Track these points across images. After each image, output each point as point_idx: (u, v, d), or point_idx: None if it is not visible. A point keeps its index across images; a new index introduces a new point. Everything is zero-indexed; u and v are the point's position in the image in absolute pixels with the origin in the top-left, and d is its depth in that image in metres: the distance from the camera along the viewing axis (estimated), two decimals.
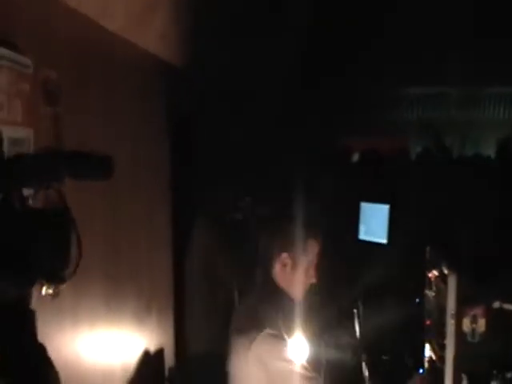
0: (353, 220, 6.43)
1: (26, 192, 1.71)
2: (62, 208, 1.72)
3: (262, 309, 2.83)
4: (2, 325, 1.63)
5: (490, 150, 10.73)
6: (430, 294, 3.56)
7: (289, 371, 2.69)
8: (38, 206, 1.71)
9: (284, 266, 2.88)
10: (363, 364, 4.77)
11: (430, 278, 3.57)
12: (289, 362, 2.70)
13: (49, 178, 1.71)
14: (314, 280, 2.94)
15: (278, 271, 2.89)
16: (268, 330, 2.72)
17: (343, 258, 6.19)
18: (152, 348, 5.30)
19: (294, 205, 3.13)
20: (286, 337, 2.73)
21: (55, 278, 1.72)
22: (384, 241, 6.07)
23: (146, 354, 5.14)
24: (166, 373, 5.59)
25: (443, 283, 3.20)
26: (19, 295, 1.71)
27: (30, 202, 1.71)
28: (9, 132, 3.01)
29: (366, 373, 4.73)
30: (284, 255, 2.87)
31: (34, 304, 3.22)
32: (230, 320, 4.16)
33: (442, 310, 3.19)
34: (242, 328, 2.84)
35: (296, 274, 2.90)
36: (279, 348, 2.71)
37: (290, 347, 2.72)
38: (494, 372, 3.02)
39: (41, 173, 1.69)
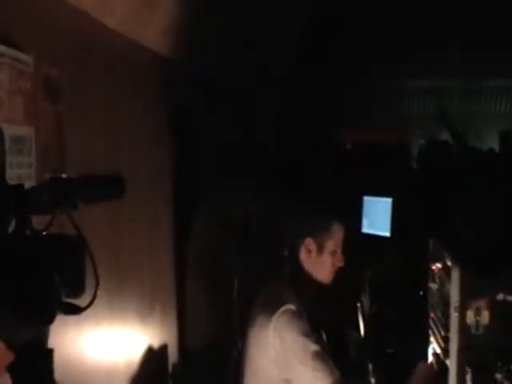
0: (355, 213, 6.43)
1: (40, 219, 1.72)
2: (77, 235, 1.73)
3: (284, 290, 2.86)
4: (19, 367, 1.63)
5: (492, 143, 10.72)
6: (434, 286, 3.55)
7: (303, 345, 2.72)
8: (51, 232, 1.72)
9: (309, 251, 2.88)
10: (367, 357, 4.78)
11: (433, 271, 3.56)
12: (304, 336, 2.73)
13: (63, 206, 1.72)
14: (341, 263, 2.96)
15: (304, 256, 2.91)
16: (288, 306, 2.75)
17: (346, 251, 6.19)
18: (155, 345, 5.31)
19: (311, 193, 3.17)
20: (304, 315, 2.76)
21: (73, 310, 1.72)
22: (387, 234, 6.07)
23: (150, 351, 5.14)
24: (170, 369, 5.60)
25: (447, 276, 3.20)
26: (36, 334, 1.71)
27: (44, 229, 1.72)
28: (10, 130, 3.02)
29: (370, 366, 4.73)
30: (308, 240, 2.87)
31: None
32: (231, 316, 4.19)
33: (445, 303, 3.19)
34: (265, 304, 2.87)
35: (322, 258, 2.92)
36: (297, 322, 2.74)
37: (307, 325, 2.74)
38: (499, 364, 3.02)
39: (56, 201, 1.70)
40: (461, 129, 13.55)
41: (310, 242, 2.89)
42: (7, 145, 2.99)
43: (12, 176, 3.03)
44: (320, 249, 2.90)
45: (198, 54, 6.16)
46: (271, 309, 2.80)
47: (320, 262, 2.92)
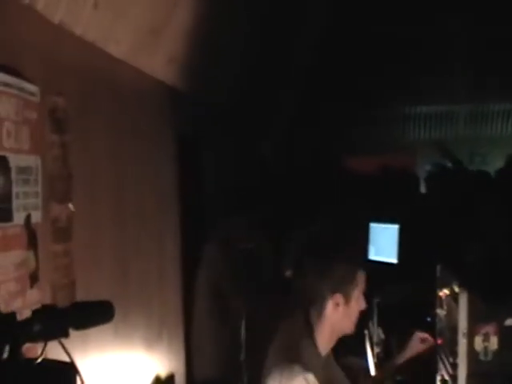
0: (362, 240, 6.41)
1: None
2: (69, 362, 1.78)
3: (303, 340, 2.81)
4: None
5: (498, 166, 10.70)
6: (442, 312, 3.54)
7: None
8: (44, 360, 1.77)
9: (337, 305, 2.82)
10: None
11: (440, 297, 3.55)
12: None
13: (55, 335, 1.81)
14: (364, 307, 2.92)
15: (330, 311, 2.81)
16: (299, 366, 2.65)
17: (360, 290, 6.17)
18: (163, 374, 5.29)
19: (332, 239, 3.05)
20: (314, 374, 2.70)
21: None
22: (394, 261, 6.05)
23: (157, 380, 5.12)
24: None
25: (454, 302, 3.19)
26: None
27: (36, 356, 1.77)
28: (16, 160, 3.03)
29: None
30: (337, 295, 2.80)
31: None
32: (238, 346, 4.15)
33: (453, 329, 3.17)
34: (279, 352, 2.82)
35: (349, 308, 2.84)
36: None
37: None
38: None
39: (47, 331, 1.77)
40: (467, 153, 13.60)
41: (338, 297, 2.84)
42: (13, 175, 3.01)
43: (18, 206, 3.04)
44: (347, 300, 2.84)
45: (203, 82, 6.20)
46: (282, 362, 2.73)
47: (347, 313, 2.85)
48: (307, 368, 2.67)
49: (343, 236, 3.04)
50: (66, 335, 1.81)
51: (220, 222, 5.00)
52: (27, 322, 1.76)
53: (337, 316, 2.83)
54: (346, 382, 3.07)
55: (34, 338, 1.75)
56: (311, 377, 2.66)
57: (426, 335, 3.43)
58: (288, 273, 2.94)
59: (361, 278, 2.87)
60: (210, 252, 4.65)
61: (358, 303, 2.87)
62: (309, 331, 2.84)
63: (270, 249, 5.00)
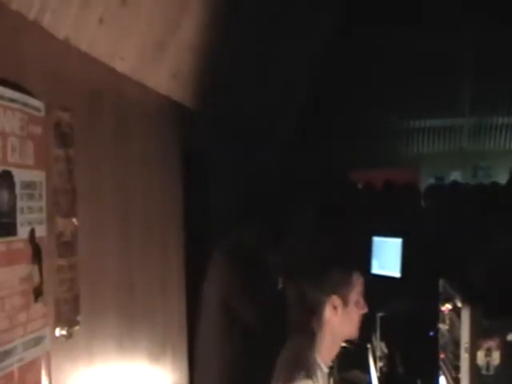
0: (365, 254, 6.42)
1: None
2: None
3: (307, 349, 2.82)
4: None
5: (502, 180, 10.73)
6: (444, 327, 3.54)
7: None
8: None
9: (335, 308, 2.82)
10: None
11: (443, 312, 3.56)
12: None
13: None
14: (365, 310, 2.91)
15: (330, 314, 2.83)
16: (303, 380, 2.67)
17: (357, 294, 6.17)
18: None
19: (325, 243, 3.07)
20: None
21: None
22: (397, 275, 6.05)
23: None
24: None
25: (457, 316, 3.19)
26: None
27: None
28: (21, 175, 3.05)
29: None
30: (334, 297, 2.81)
31: (49, 345, 3.25)
32: (243, 358, 4.14)
33: (456, 344, 3.18)
34: (286, 364, 2.82)
35: (348, 311, 2.85)
36: None
37: None
38: None
39: None
40: (470, 166, 13.61)
41: (334, 299, 2.84)
42: (18, 189, 3.03)
43: (23, 220, 3.06)
44: (345, 303, 2.84)
45: (207, 97, 6.22)
46: (287, 376, 2.75)
47: (347, 316, 2.86)
48: (309, 376, 2.68)
49: (335, 242, 3.06)
50: None
51: (225, 233, 5.00)
52: None
53: (336, 320, 2.83)
54: None
55: None
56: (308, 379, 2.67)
57: None
58: (280, 286, 2.96)
59: (358, 280, 2.88)
60: (215, 264, 4.65)
61: (357, 306, 2.87)
62: (311, 340, 2.85)
63: (276, 259, 5.00)
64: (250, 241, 4.62)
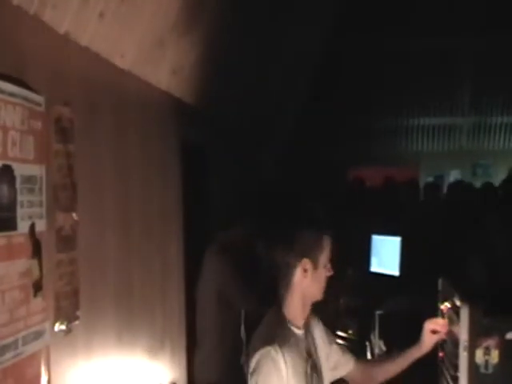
0: (364, 252, 6.42)
1: None
2: None
3: (274, 320, 2.83)
4: None
5: (501, 178, 10.73)
6: None
7: None
8: None
9: (305, 270, 2.82)
10: None
11: (442, 310, 3.55)
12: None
13: None
14: (331, 273, 2.91)
15: (299, 277, 2.81)
16: (267, 347, 2.66)
17: (355, 290, 6.18)
18: (166, 383, 5.30)
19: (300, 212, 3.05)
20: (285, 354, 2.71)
21: None
22: (396, 273, 6.05)
23: None
24: None
25: (456, 315, 3.19)
26: None
27: None
28: (21, 169, 3.05)
29: None
30: (305, 260, 2.79)
31: (49, 339, 3.25)
32: (239, 350, 4.15)
33: (454, 342, 3.18)
34: (254, 340, 2.83)
35: (317, 274, 2.84)
36: (267, 368, 2.65)
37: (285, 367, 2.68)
38: None
39: None
40: (470, 165, 13.61)
41: (306, 262, 2.80)
42: (18, 184, 3.03)
43: (23, 215, 3.06)
44: (315, 266, 2.82)
45: (207, 93, 6.22)
46: (254, 346, 2.76)
47: (316, 279, 2.83)
48: (279, 346, 2.68)
49: (305, 206, 3.02)
50: None
51: (221, 229, 5.02)
52: None
53: (306, 282, 2.82)
54: (329, 348, 3.06)
55: None
56: (279, 355, 2.66)
57: (435, 326, 3.36)
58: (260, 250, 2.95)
59: (327, 242, 2.87)
60: (210, 258, 4.67)
61: (325, 268, 2.86)
62: (278, 305, 2.85)
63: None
64: (242, 237, 4.65)
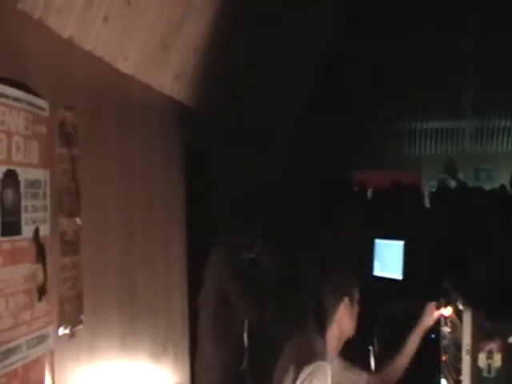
0: (367, 256, 6.41)
1: None
2: None
3: (317, 343, 2.99)
4: None
5: (503, 182, 10.74)
6: (446, 330, 3.55)
7: None
8: None
9: (346, 308, 3.06)
10: None
11: (442, 315, 3.56)
12: None
13: None
14: (358, 310, 3.12)
15: (342, 314, 3.05)
16: (321, 362, 2.86)
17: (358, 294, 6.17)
18: None
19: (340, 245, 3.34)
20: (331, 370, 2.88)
21: None
22: (399, 277, 6.05)
23: None
24: None
25: (458, 319, 3.20)
26: None
27: None
28: (25, 174, 3.05)
29: None
30: (346, 299, 3.05)
31: (53, 343, 3.26)
32: (241, 357, 4.23)
33: (457, 346, 3.18)
34: (298, 355, 2.96)
35: (353, 311, 3.10)
36: (324, 379, 2.85)
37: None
38: None
39: None
40: (472, 168, 13.59)
41: (347, 301, 3.06)
42: (22, 188, 3.04)
43: (27, 219, 3.07)
44: (352, 303, 3.09)
45: (210, 97, 6.23)
46: (303, 360, 2.90)
47: (352, 315, 3.10)
48: (324, 360, 2.89)
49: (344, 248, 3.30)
50: None
51: (223, 232, 5.03)
52: None
53: (345, 318, 3.07)
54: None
55: None
56: (328, 368, 2.88)
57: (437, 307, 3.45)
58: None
59: (356, 280, 3.12)
60: (213, 262, 4.67)
61: (357, 305, 3.12)
62: (321, 334, 3.04)
63: (271, 258, 5.02)
64: (243, 242, 4.66)
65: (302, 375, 2.86)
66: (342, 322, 3.07)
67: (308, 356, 2.92)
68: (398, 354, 3.42)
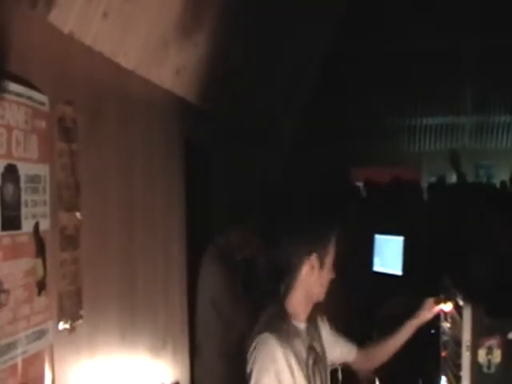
0: (367, 252, 6.42)
1: None
2: None
3: (274, 313, 2.81)
4: None
5: (503, 178, 10.74)
6: (445, 325, 3.55)
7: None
8: None
9: (312, 267, 2.83)
10: None
11: (442, 310, 3.56)
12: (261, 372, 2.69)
13: None
14: (333, 276, 2.92)
15: (306, 273, 2.81)
16: (265, 334, 2.70)
17: (357, 290, 6.18)
18: (168, 382, 5.30)
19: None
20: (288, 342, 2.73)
21: None
22: (399, 272, 6.06)
23: None
24: None
25: (458, 315, 3.20)
26: None
27: None
28: (25, 168, 3.06)
29: None
30: (313, 256, 2.80)
31: (52, 338, 3.26)
32: (241, 354, 4.17)
33: (457, 342, 3.18)
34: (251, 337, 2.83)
35: (322, 274, 2.84)
36: (263, 356, 2.69)
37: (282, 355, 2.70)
38: None
39: None
40: (472, 165, 13.59)
41: (314, 259, 2.80)
42: (22, 183, 3.04)
43: (27, 214, 3.07)
44: (321, 265, 2.82)
45: (211, 93, 6.23)
46: (252, 337, 2.78)
47: (320, 279, 2.84)
48: (277, 335, 2.70)
49: (316, 202, 3.05)
50: None
51: (222, 228, 5.01)
52: None
53: (311, 279, 2.82)
54: (333, 340, 3.07)
55: None
56: (276, 343, 2.68)
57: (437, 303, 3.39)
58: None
59: (333, 245, 2.88)
60: (205, 267, 4.64)
61: (329, 271, 2.87)
62: (279, 301, 2.83)
63: (267, 260, 5.00)
64: (242, 237, 4.64)
65: (249, 354, 2.73)
66: (307, 282, 2.82)
67: (254, 330, 2.77)
68: (388, 338, 3.34)
